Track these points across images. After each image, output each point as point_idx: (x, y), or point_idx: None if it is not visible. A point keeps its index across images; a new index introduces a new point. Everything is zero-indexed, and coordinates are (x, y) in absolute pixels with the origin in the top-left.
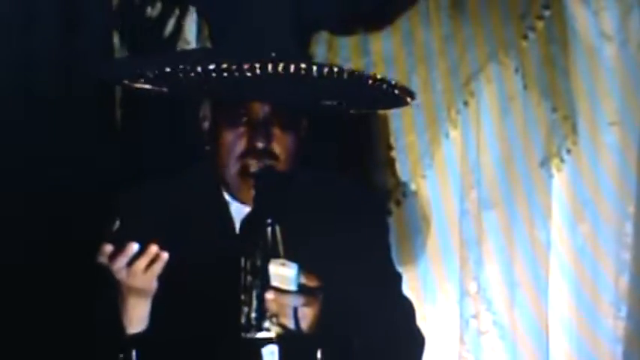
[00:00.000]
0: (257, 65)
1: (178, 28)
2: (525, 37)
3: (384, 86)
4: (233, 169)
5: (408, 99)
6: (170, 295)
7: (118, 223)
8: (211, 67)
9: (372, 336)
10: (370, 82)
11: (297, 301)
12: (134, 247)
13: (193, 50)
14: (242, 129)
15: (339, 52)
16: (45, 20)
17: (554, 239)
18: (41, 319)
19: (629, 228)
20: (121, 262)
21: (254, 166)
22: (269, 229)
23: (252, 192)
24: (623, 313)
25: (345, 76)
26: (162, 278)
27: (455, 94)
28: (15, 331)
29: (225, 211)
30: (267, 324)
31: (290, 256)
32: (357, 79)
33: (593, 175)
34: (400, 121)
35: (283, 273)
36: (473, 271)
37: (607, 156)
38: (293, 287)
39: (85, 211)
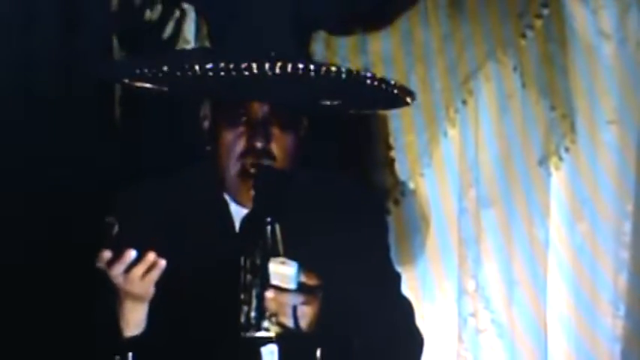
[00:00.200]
0: (254, 65)
1: (177, 29)
2: (524, 35)
3: (383, 86)
4: (232, 169)
5: (408, 99)
6: (169, 294)
7: (116, 226)
8: (209, 66)
9: (371, 335)
10: (369, 81)
11: (297, 299)
12: (132, 254)
13: (193, 50)
14: (241, 129)
15: (337, 52)
16: (44, 20)
17: (552, 238)
18: (40, 319)
19: (627, 227)
20: (119, 268)
21: (253, 166)
22: (269, 227)
23: (251, 193)
24: (622, 311)
25: (344, 75)
26: (161, 278)
27: (453, 92)
28: (14, 331)
29: (225, 210)
30: (266, 323)
31: (290, 255)
32: (356, 78)
33: (591, 174)
34: (399, 120)
35: (283, 271)
36: (471, 270)
37: (605, 154)
38: (293, 286)
39: (84, 210)
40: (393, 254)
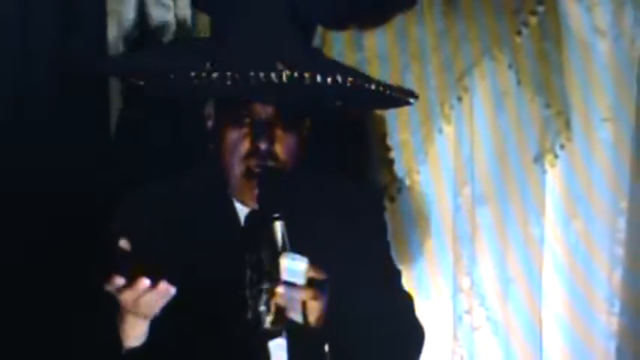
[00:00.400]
0: (262, 74)
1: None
2: (519, 32)
3: (388, 92)
4: (236, 169)
5: (411, 100)
6: (177, 292)
7: (127, 248)
8: (215, 75)
9: (374, 329)
10: (373, 87)
11: (307, 294)
12: (145, 283)
13: (194, 43)
14: (245, 129)
15: (333, 47)
16: (42, 20)
17: (547, 235)
18: (40, 319)
19: (622, 224)
20: (130, 295)
21: (257, 167)
22: (274, 224)
23: (255, 192)
24: (617, 308)
25: (349, 84)
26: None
27: (448, 89)
28: (14, 331)
29: (231, 208)
30: (274, 318)
31: (295, 252)
32: (361, 86)
33: (586, 171)
34: (394, 118)
35: (294, 267)
36: (466, 267)
37: (600, 152)
38: (302, 281)
39: (83, 210)
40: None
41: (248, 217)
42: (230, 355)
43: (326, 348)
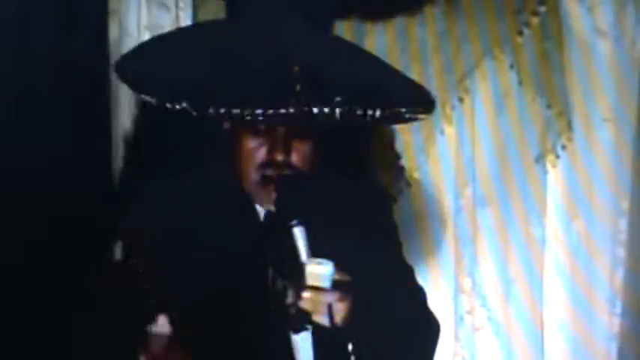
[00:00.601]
0: (282, 111)
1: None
2: (520, 33)
3: (407, 116)
4: (252, 176)
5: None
6: (201, 293)
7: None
8: (236, 111)
9: (394, 326)
10: (394, 114)
11: (333, 297)
12: None
13: (207, 29)
14: (262, 139)
15: None
16: (42, 20)
17: (548, 235)
18: (39, 319)
19: (623, 224)
20: None
21: (273, 175)
22: (294, 230)
23: (271, 197)
24: (618, 309)
25: (369, 118)
26: (191, 277)
27: (450, 90)
28: (13, 330)
29: (251, 206)
30: (299, 322)
31: (315, 255)
32: (381, 116)
33: (587, 172)
34: None
35: (320, 271)
36: (467, 268)
37: (602, 152)
38: (328, 284)
39: (83, 210)
40: None
41: (267, 216)
42: (255, 350)
43: (349, 346)
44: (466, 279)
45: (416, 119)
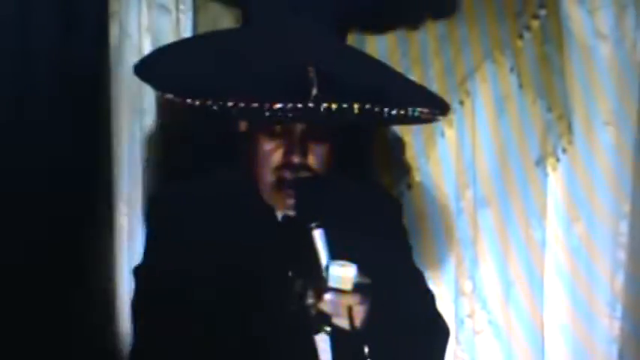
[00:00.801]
0: (300, 105)
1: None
2: (521, 36)
3: (423, 116)
4: (268, 178)
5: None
6: (220, 295)
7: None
8: (254, 105)
9: (408, 328)
10: (410, 113)
11: (354, 300)
12: None
13: (224, 35)
14: (278, 141)
15: None
16: (42, 21)
17: (549, 238)
18: (38, 319)
19: (624, 227)
20: None
21: (290, 177)
22: (314, 232)
23: (286, 201)
24: (619, 312)
25: (386, 114)
26: (210, 278)
27: (450, 93)
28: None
29: (269, 211)
30: (319, 324)
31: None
32: (397, 115)
33: (588, 175)
34: None
35: (343, 274)
36: (468, 270)
37: (602, 155)
38: (349, 287)
39: (83, 210)
40: None
41: (284, 218)
42: (276, 351)
43: (365, 348)
44: (466, 281)
45: (431, 120)
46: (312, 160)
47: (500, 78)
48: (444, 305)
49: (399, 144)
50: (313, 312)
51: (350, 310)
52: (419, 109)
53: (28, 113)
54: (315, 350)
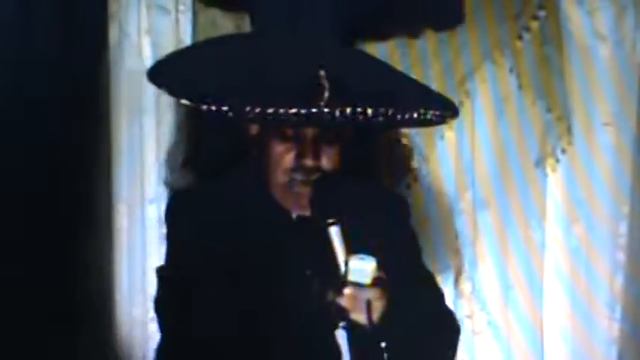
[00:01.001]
0: (314, 110)
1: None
2: (520, 37)
3: (434, 118)
4: (280, 179)
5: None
6: (239, 293)
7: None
8: (270, 111)
9: (424, 326)
10: (422, 116)
11: (373, 294)
12: None
13: (234, 40)
14: (290, 144)
15: None
16: (43, 23)
17: (548, 239)
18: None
19: (623, 228)
20: None
21: (302, 179)
22: (331, 229)
23: (300, 201)
24: (618, 314)
25: (399, 117)
26: (228, 278)
27: (450, 94)
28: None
29: (284, 211)
30: (337, 321)
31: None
32: (409, 118)
33: (587, 176)
34: None
35: (363, 267)
36: (467, 272)
37: (601, 156)
38: (368, 280)
39: (83, 209)
40: None
41: (299, 219)
42: (297, 348)
43: (382, 344)
44: (466, 283)
45: (442, 122)
46: (323, 162)
47: (500, 79)
48: None
49: (398, 145)
50: (332, 308)
51: (369, 304)
52: (431, 111)
53: (28, 113)
54: (337, 347)
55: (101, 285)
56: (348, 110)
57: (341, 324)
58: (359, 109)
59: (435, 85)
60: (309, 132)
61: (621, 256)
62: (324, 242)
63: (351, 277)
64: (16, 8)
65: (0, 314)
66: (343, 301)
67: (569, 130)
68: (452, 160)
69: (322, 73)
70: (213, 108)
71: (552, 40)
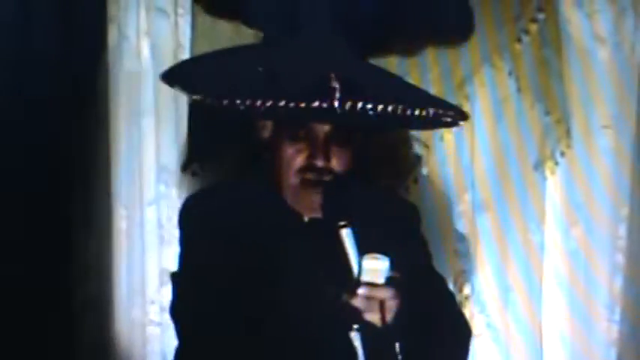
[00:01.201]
0: (325, 104)
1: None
2: (519, 40)
3: (444, 119)
4: (291, 181)
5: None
6: (252, 296)
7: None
8: (281, 104)
9: (436, 326)
10: (432, 115)
11: (387, 294)
12: None
13: (247, 48)
14: (301, 144)
15: None
16: (42, 25)
17: (547, 242)
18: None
19: (622, 231)
20: None
21: (313, 179)
22: (342, 231)
23: (312, 202)
24: (617, 316)
25: (409, 113)
26: (240, 280)
27: (448, 97)
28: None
29: (295, 213)
30: (351, 322)
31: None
32: (419, 116)
33: (586, 178)
34: None
35: (377, 266)
36: (466, 274)
37: (600, 159)
38: (382, 280)
39: (81, 212)
40: None
41: (311, 221)
42: (313, 350)
43: (397, 345)
44: (465, 285)
45: (452, 124)
46: (334, 164)
47: (499, 82)
48: None
49: (397, 147)
50: (346, 309)
51: (382, 304)
52: (441, 110)
53: (27, 114)
54: (352, 348)
55: (100, 287)
56: (359, 105)
57: (355, 325)
58: (369, 105)
59: (433, 89)
60: (320, 133)
61: (620, 259)
62: (336, 244)
63: (364, 277)
64: (16, 8)
65: None
66: (357, 302)
67: (568, 132)
68: (451, 163)
69: (333, 75)
70: (225, 102)
71: (551, 42)
